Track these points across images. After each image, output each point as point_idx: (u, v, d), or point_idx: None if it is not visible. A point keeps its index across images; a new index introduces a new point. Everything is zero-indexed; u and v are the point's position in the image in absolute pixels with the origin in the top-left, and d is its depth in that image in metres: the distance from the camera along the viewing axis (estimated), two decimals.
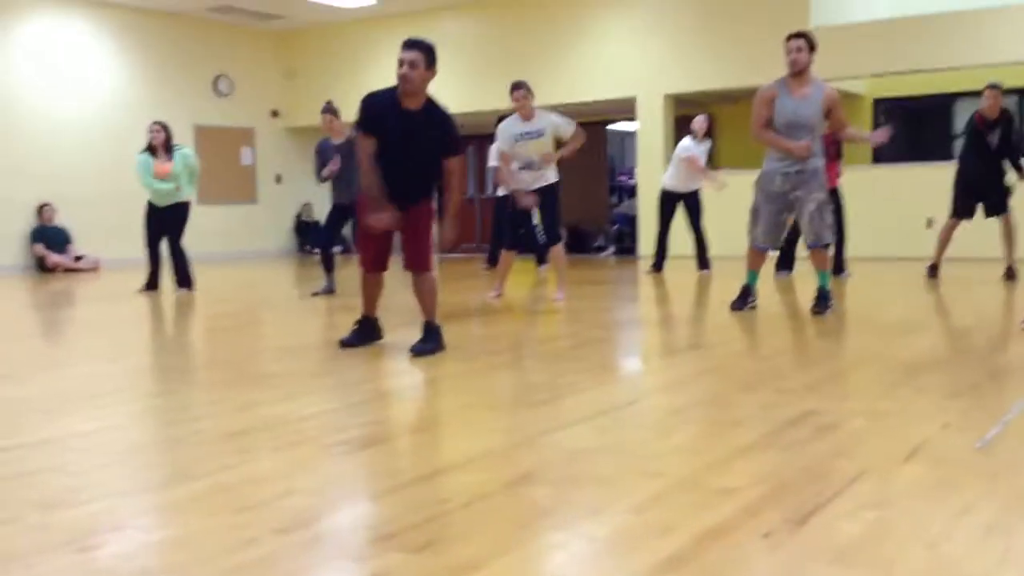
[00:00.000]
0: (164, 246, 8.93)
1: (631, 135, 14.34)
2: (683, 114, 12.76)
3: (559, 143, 7.23)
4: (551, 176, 7.13)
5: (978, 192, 8.27)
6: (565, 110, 14.17)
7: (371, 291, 5.14)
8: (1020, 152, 8.31)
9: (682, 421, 3.43)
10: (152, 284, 8.99)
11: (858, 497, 2.43)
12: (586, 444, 3.09)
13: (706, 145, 9.79)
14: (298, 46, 15.69)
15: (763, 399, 3.71)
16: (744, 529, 2.21)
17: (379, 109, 4.79)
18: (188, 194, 8.91)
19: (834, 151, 8.65)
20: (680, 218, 9.79)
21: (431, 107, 4.81)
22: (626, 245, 13.84)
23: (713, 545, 2.12)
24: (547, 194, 7.13)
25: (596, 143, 15.53)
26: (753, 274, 6.35)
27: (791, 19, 11.23)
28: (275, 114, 15.84)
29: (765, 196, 6.08)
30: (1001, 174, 8.24)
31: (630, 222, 13.84)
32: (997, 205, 8.26)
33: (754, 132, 6.09)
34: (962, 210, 8.33)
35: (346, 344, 5.11)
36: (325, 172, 8.00)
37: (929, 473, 2.66)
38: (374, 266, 5.06)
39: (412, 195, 4.89)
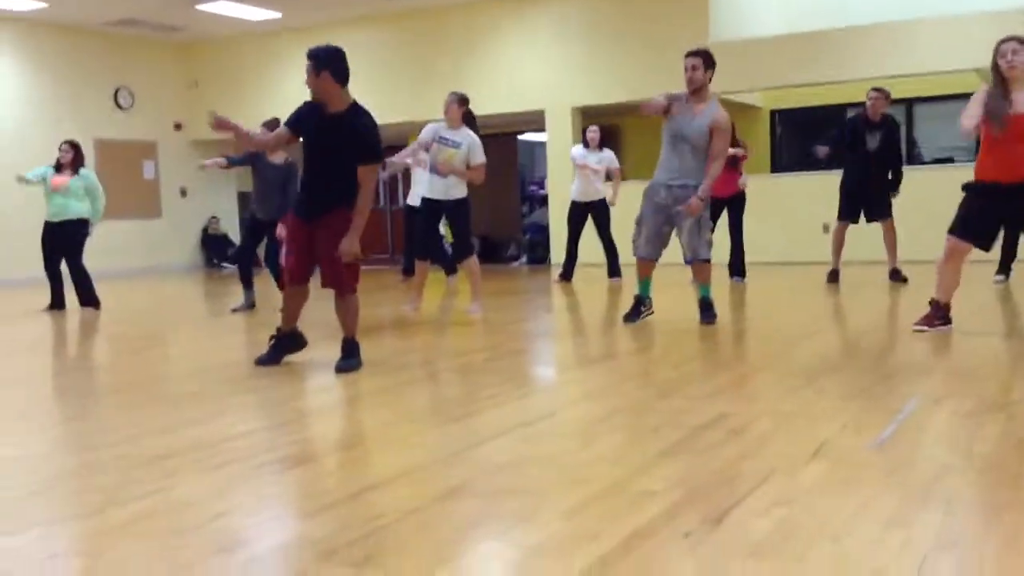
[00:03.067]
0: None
1: (541, 145, 14.56)
2: (591, 124, 13.05)
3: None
4: (461, 191, 7.24)
5: (858, 194, 8.47)
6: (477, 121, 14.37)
7: (293, 304, 5.13)
8: (900, 161, 8.59)
9: (603, 429, 3.57)
10: (56, 303, 8.78)
11: (768, 496, 2.61)
12: (511, 456, 3.21)
13: (602, 155, 9.93)
14: (201, 58, 15.45)
15: (677, 405, 3.88)
16: (666, 530, 2.36)
17: (305, 111, 4.91)
18: (84, 211, 8.68)
19: (729, 161, 8.89)
20: (591, 227, 9.98)
21: (354, 111, 4.84)
22: (538, 254, 14.04)
23: (638, 547, 2.26)
24: (458, 208, 7.24)
25: (507, 154, 15.72)
26: (644, 283, 6.38)
27: (692, 33, 11.62)
28: (178, 127, 15.56)
29: (650, 207, 6.14)
30: (882, 179, 8.45)
31: (542, 231, 14.05)
32: (877, 210, 8.44)
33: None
34: (845, 212, 8.55)
35: (262, 362, 5.11)
36: (217, 161, 8.22)
37: (831, 471, 2.86)
38: (296, 279, 5.06)
39: (324, 203, 4.84)
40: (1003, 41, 5.13)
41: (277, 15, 13.58)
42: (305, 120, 4.91)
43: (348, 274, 4.91)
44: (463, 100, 7.20)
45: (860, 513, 2.46)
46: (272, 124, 8.05)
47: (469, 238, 7.41)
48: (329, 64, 4.78)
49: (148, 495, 2.84)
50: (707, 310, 6.26)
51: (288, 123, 4.97)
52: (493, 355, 5.58)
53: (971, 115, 5.13)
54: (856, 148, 8.44)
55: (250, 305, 8.13)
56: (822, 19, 12.00)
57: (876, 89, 8.47)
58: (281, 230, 7.79)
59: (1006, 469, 2.85)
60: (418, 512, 2.59)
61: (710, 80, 6.04)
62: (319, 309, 5.92)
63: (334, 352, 5.05)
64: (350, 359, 4.95)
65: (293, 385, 4.75)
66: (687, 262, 6.20)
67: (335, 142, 4.81)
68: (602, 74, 12.56)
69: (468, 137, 7.13)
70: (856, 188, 8.51)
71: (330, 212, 4.83)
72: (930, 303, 5.53)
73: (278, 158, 7.91)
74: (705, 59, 5.99)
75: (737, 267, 9.24)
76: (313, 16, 13.66)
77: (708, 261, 6.18)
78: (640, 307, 6.41)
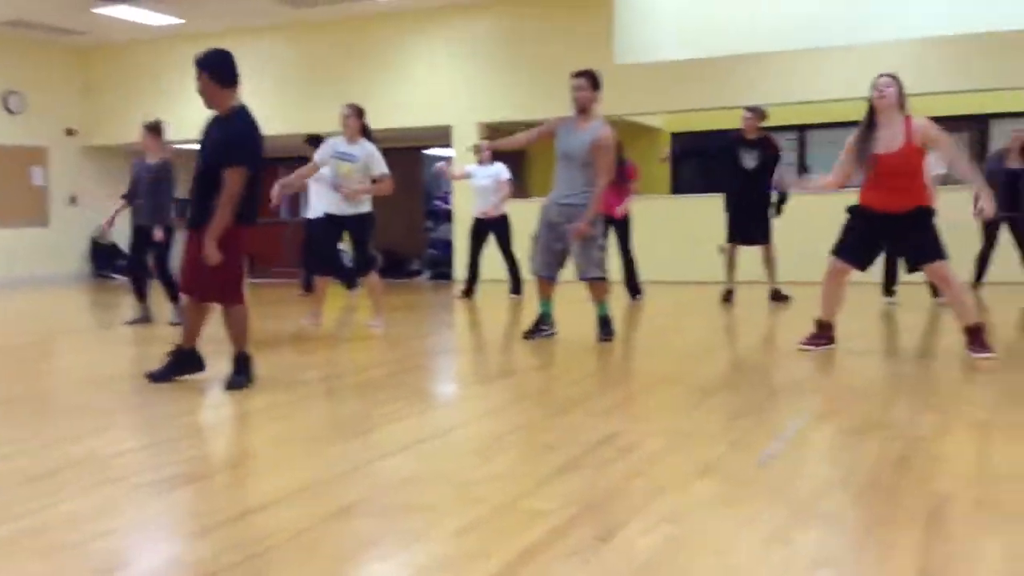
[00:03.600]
0: None
1: (447, 160, 14.56)
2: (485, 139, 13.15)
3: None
4: (364, 206, 7.16)
5: (738, 214, 8.57)
6: (382, 135, 14.28)
7: (192, 319, 4.94)
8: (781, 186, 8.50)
9: (499, 447, 3.58)
10: None
11: (656, 513, 2.66)
12: (407, 473, 3.19)
13: (490, 169, 9.76)
14: (98, 62, 14.98)
15: (573, 422, 3.92)
16: (556, 548, 2.38)
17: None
18: None
19: (617, 179, 8.77)
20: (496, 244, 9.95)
21: (232, 114, 4.74)
22: (442, 270, 14.02)
23: (528, 565, 2.27)
24: (361, 223, 7.16)
25: (412, 168, 15.68)
26: (545, 303, 6.45)
27: (596, 55, 11.81)
28: (71, 132, 15.04)
29: (544, 225, 6.26)
30: (761, 199, 8.51)
31: (446, 247, 14.04)
32: (755, 232, 8.51)
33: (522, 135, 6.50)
34: (731, 233, 8.66)
35: (155, 378, 4.92)
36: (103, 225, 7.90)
37: (718, 489, 2.93)
38: (189, 291, 4.89)
39: (199, 213, 4.70)
40: (879, 76, 5.41)
41: (179, 21, 13.27)
42: (206, 126, 4.85)
43: (226, 285, 4.76)
44: (359, 112, 7.12)
45: (744, 529, 2.53)
46: (154, 127, 7.85)
47: (371, 253, 7.34)
48: (208, 65, 4.70)
49: (29, 513, 2.73)
50: (605, 327, 6.34)
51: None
52: (393, 371, 5.54)
53: (835, 170, 5.62)
54: (733, 167, 8.62)
55: (145, 318, 7.86)
56: (723, 45, 12.36)
57: (749, 108, 8.66)
58: (158, 233, 7.58)
59: (884, 486, 2.96)
60: (308, 532, 2.55)
61: (597, 100, 6.17)
62: (212, 324, 5.77)
63: (228, 368, 4.93)
64: (239, 375, 4.81)
65: (184, 401, 4.62)
66: (580, 278, 6.29)
67: (209, 146, 4.73)
68: (509, 92, 12.67)
69: (365, 149, 7.06)
70: (736, 208, 8.64)
71: (207, 222, 4.64)
72: (815, 322, 5.73)
73: (153, 157, 7.69)
74: (591, 79, 6.13)
75: (632, 286, 9.34)
76: (217, 23, 13.39)
77: (600, 279, 6.26)
78: (541, 325, 6.47)
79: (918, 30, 11.27)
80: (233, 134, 4.68)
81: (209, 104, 4.76)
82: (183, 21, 13.30)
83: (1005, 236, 9.18)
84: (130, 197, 7.91)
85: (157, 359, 5.11)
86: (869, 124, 5.38)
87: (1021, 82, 10.67)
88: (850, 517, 2.70)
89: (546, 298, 6.46)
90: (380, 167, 7.03)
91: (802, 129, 13.46)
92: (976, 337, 5.33)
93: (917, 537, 2.44)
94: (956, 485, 2.92)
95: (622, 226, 9.22)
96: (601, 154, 6.07)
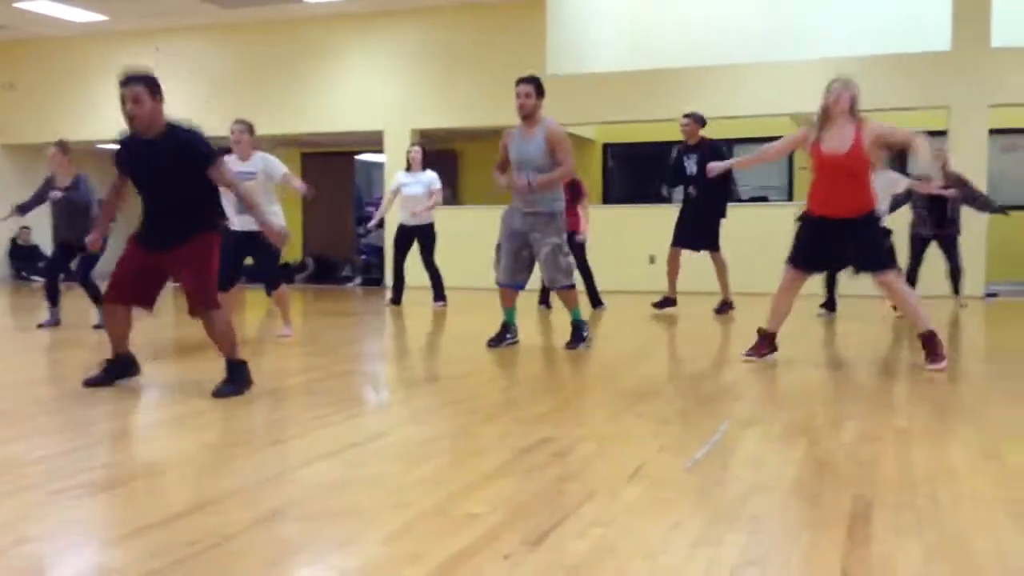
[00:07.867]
0: None
1: (378, 165, 14.48)
2: (433, 149, 13.10)
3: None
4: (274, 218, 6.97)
5: (683, 221, 8.67)
6: (313, 139, 14.13)
7: (117, 325, 4.81)
8: (725, 189, 8.67)
9: (428, 452, 3.57)
10: None
11: (586, 517, 2.68)
12: (336, 478, 3.16)
13: (421, 176, 9.58)
14: (19, 58, 14.56)
15: (502, 429, 3.93)
16: (486, 552, 2.38)
17: (128, 147, 4.67)
18: None
19: (571, 196, 8.81)
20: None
21: (172, 132, 4.61)
22: (373, 276, 13.93)
23: (458, 569, 2.27)
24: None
25: (344, 173, 15.56)
26: (509, 311, 6.46)
27: (529, 66, 11.81)
28: None
29: (506, 233, 6.27)
30: (705, 206, 8.57)
31: (377, 253, 13.95)
32: (699, 239, 8.59)
33: (494, 173, 6.38)
34: (674, 238, 8.75)
35: (90, 383, 4.78)
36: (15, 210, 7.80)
37: (647, 492, 2.96)
38: (118, 296, 4.75)
39: (175, 232, 4.63)
40: (833, 81, 5.50)
41: (103, 18, 12.97)
42: (130, 156, 4.66)
43: (201, 289, 4.66)
44: (251, 128, 6.85)
45: (673, 532, 2.56)
46: (62, 146, 7.73)
47: (277, 267, 7.14)
48: (159, 87, 4.59)
49: None
50: (574, 333, 6.32)
51: (117, 165, 4.70)
52: (321, 376, 5.47)
53: (772, 146, 5.86)
54: (679, 174, 8.73)
55: (55, 322, 7.74)
56: (657, 58, 12.55)
57: (686, 115, 8.72)
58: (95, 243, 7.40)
59: (807, 490, 3.03)
60: (234, 537, 2.51)
61: (540, 107, 6.16)
62: (141, 330, 5.63)
63: (156, 374, 4.82)
64: (228, 384, 4.65)
65: (105, 406, 4.49)
66: (547, 289, 6.28)
67: (166, 166, 4.57)
68: (442, 99, 12.67)
69: (260, 162, 6.79)
70: (682, 215, 8.74)
71: (184, 241, 4.62)
72: (759, 332, 5.80)
73: (65, 179, 7.63)
74: (536, 86, 6.13)
75: (594, 296, 9.22)
76: (141, 22, 13.12)
77: (570, 287, 6.28)
78: (506, 334, 6.46)
79: (842, 49, 11.60)
80: (196, 142, 4.63)
81: (150, 126, 4.55)
82: (107, 18, 13.02)
83: (932, 251, 9.38)
84: (24, 209, 7.92)
85: (74, 363, 4.97)
86: (821, 126, 5.48)
87: (938, 101, 11.05)
88: (775, 519, 2.75)
89: (509, 307, 6.45)
90: (280, 169, 6.85)
91: (730, 144, 13.70)
92: (927, 345, 5.41)
93: (840, 539, 2.50)
94: (877, 489, 3.00)
95: (580, 243, 9.09)
96: (558, 142, 6.09)
